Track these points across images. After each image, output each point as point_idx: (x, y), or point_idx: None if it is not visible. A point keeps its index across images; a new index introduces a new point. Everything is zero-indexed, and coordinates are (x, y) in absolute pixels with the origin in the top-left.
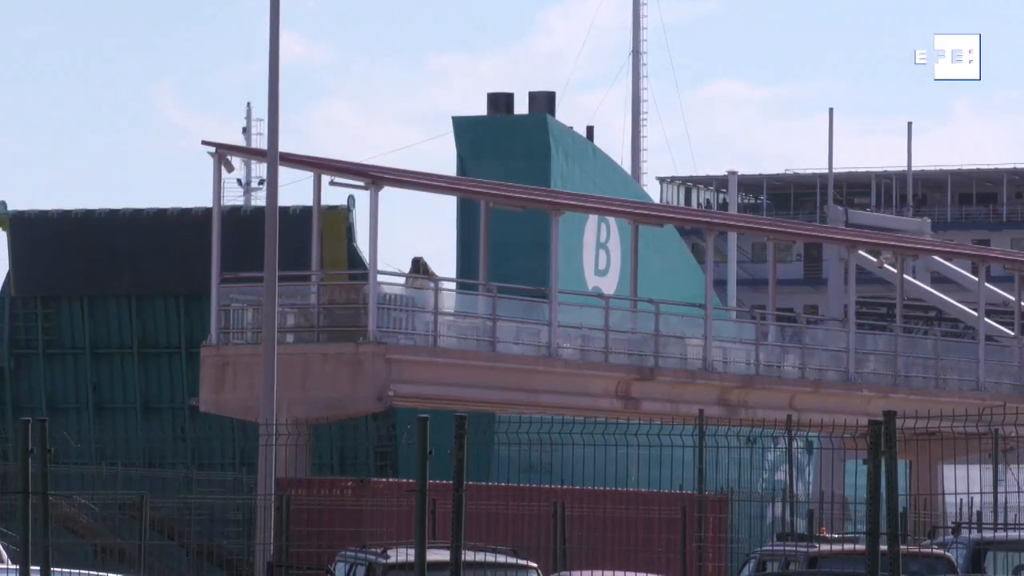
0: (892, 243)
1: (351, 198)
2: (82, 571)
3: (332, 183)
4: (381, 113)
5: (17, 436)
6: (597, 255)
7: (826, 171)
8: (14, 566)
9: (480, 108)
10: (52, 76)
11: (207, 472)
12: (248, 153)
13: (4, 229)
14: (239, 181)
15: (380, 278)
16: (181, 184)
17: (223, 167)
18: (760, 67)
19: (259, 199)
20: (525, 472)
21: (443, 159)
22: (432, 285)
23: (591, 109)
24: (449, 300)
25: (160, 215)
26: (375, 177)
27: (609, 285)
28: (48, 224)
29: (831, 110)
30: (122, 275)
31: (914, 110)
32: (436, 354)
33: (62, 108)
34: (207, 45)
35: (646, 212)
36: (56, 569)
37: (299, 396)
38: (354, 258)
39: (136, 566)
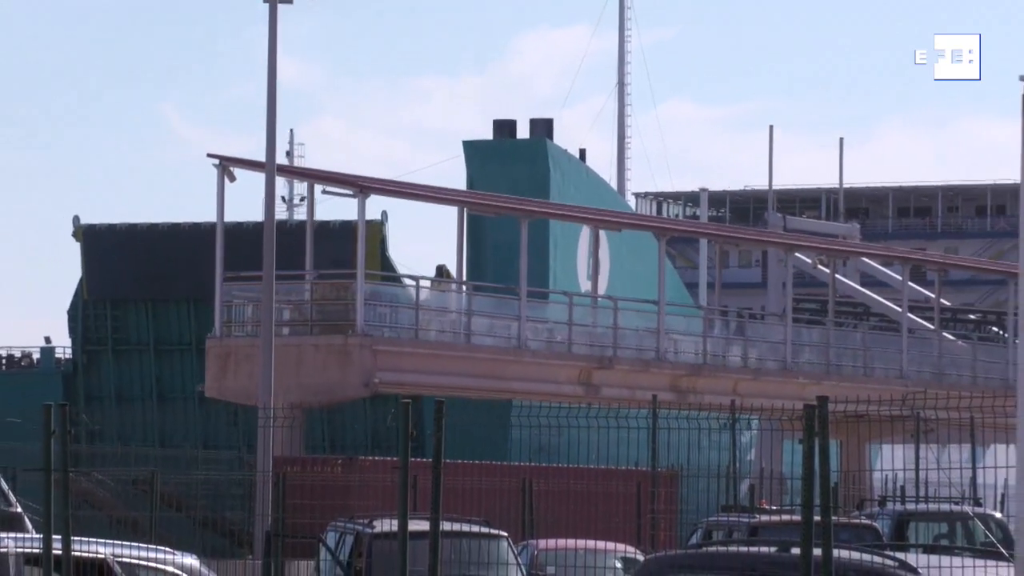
0: (825, 246)
1: (384, 213)
2: (97, 539)
3: (324, 192)
4: (368, 128)
5: (44, 419)
6: (589, 262)
7: (781, 187)
8: (38, 535)
9: (460, 124)
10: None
11: (215, 452)
12: (248, 165)
13: (78, 240)
14: (283, 198)
15: (407, 281)
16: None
17: (226, 177)
18: (715, 87)
19: (300, 214)
20: (537, 453)
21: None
22: (412, 283)
23: (562, 124)
24: (439, 298)
25: (215, 228)
26: (362, 186)
27: (600, 288)
28: (117, 236)
29: (771, 127)
30: (182, 280)
31: (854, 125)
32: (417, 346)
33: (74, 123)
34: (212, 64)
35: (606, 219)
36: (75, 538)
37: (293, 383)
38: (386, 263)
39: (147, 535)
